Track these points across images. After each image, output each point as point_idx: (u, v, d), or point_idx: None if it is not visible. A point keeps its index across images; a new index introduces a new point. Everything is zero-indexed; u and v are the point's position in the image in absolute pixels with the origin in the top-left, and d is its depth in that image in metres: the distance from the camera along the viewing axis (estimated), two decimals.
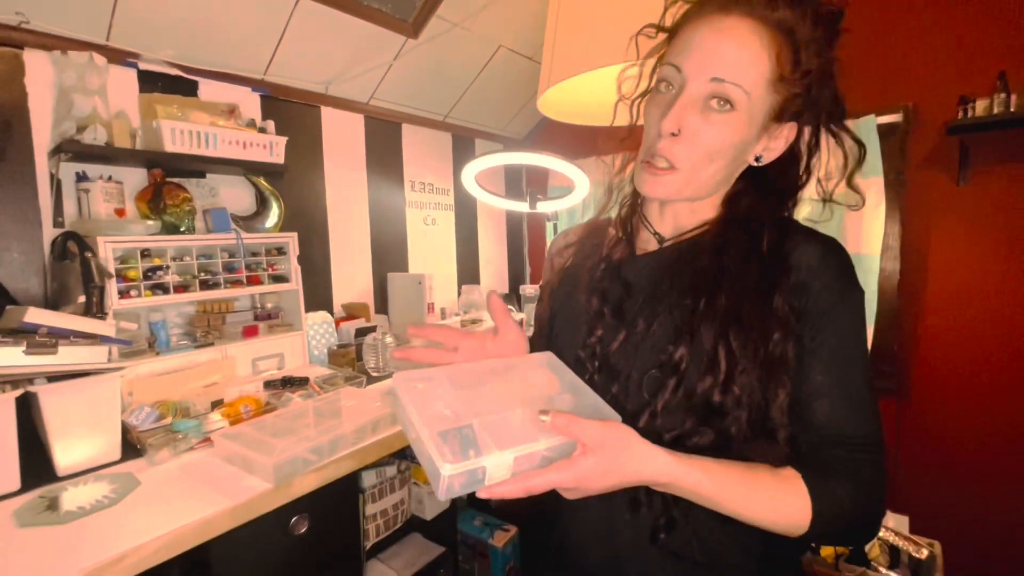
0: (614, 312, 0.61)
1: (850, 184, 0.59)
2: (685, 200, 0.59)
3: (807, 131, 0.57)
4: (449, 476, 0.42)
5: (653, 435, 0.50)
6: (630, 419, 0.54)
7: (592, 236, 0.71)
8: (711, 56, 0.52)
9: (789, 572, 0.60)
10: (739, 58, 0.51)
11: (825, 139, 0.58)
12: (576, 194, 1.93)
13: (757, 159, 0.57)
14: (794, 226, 0.57)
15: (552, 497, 0.52)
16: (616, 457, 0.45)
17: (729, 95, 0.51)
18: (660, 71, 0.57)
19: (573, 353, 0.63)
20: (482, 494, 0.43)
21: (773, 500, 0.49)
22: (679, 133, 0.53)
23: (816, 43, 0.54)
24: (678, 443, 0.52)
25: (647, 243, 0.65)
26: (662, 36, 0.59)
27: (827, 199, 0.59)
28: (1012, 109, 1.38)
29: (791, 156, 0.58)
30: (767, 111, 0.54)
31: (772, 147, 0.56)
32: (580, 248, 0.71)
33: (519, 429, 0.47)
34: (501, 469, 0.44)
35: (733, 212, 0.59)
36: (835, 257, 0.54)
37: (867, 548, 1.51)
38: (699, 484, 0.47)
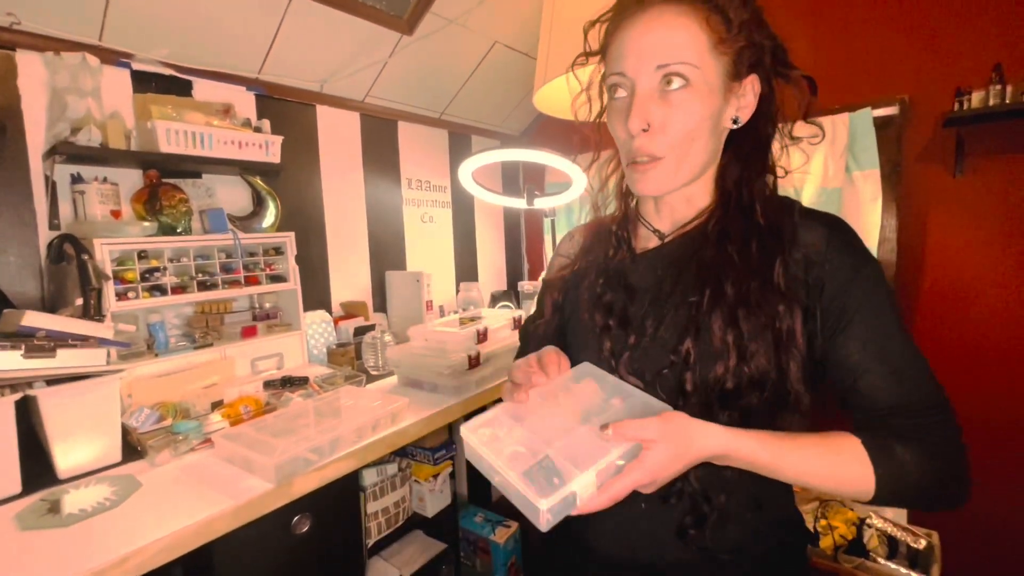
0: (620, 322, 0.61)
1: (807, 119, 0.59)
2: (680, 188, 0.59)
3: (757, 81, 0.57)
4: (547, 510, 0.45)
5: None
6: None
7: (595, 237, 0.71)
8: (648, 49, 0.53)
9: (799, 561, 0.62)
10: (673, 39, 0.52)
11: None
12: (573, 190, 1.93)
13: (735, 121, 0.57)
14: (798, 209, 0.57)
15: None
16: (679, 443, 0.47)
17: (684, 71, 0.52)
18: (608, 84, 0.59)
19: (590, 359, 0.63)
20: (576, 512, 0.46)
21: (833, 465, 0.50)
22: (649, 128, 0.54)
23: None
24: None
25: (648, 241, 0.65)
26: (595, 59, 0.62)
27: (791, 139, 0.60)
28: (1008, 101, 1.39)
29: (757, 112, 0.58)
30: (723, 74, 0.55)
31: (744, 104, 0.57)
32: (584, 251, 0.71)
33: (590, 445, 0.49)
34: (588, 488, 0.47)
35: (726, 193, 0.59)
36: (840, 234, 0.54)
37: (865, 539, 1.53)
38: (755, 453, 0.49)
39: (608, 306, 0.62)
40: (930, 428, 0.50)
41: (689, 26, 0.52)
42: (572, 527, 0.63)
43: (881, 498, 0.50)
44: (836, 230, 0.54)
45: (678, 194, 0.61)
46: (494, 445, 0.52)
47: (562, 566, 0.68)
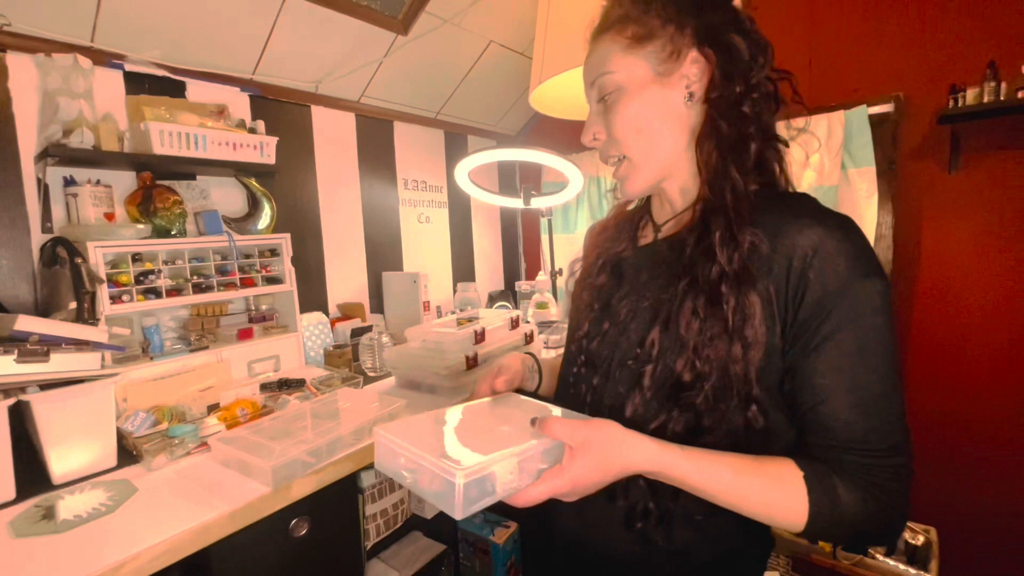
0: (603, 306, 0.63)
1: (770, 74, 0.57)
2: (664, 180, 0.60)
3: (698, 51, 0.56)
4: (463, 485, 0.43)
5: (636, 425, 0.51)
6: (611, 411, 0.56)
7: (615, 227, 0.72)
8: (585, 75, 0.62)
9: (752, 569, 0.59)
10: (592, 60, 0.60)
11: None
12: (570, 189, 1.92)
13: (691, 96, 0.56)
14: (803, 207, 0.52)
15: None
16: (604, 453, 0.47)
17: (606, 84, 0.58)
18: None
19: (568, 347, 0.66)
20: (503, 499, 0.46)
21: (768, 493, 0.48)
22: (598, 139, 0.61)
23: None
24: (661, 431, 0.53)
25: (650, 234, 0.66)
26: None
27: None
28: (1002, 97, 1.39)
29: (719, 76, 0.56)
30: (655, 62, 0.56)
31: (689, 75, 0.56)
32: (604, 239, 0.72)
33: (512, 437, 0.48)
34: (508, 473, 0.45)
35: (710, 185, 0.56)
36: (834, 242, 0.48)
37: None
38: (687, 474, 0.48)
39: (596, 288, 0.65)
40: (882, 471, 0.47)
41: (604, 42, 0.59)
42: (540, 514, 0.64)
43: (810, 534, 0.49)
44: (831, 237, 0.48)
45: (671, 187, 0.61)
46: (412, 439, 0.50)
47: (533, 551, 0.71)
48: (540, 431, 0.48)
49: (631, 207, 0.73)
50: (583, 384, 0.62)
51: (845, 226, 0.50)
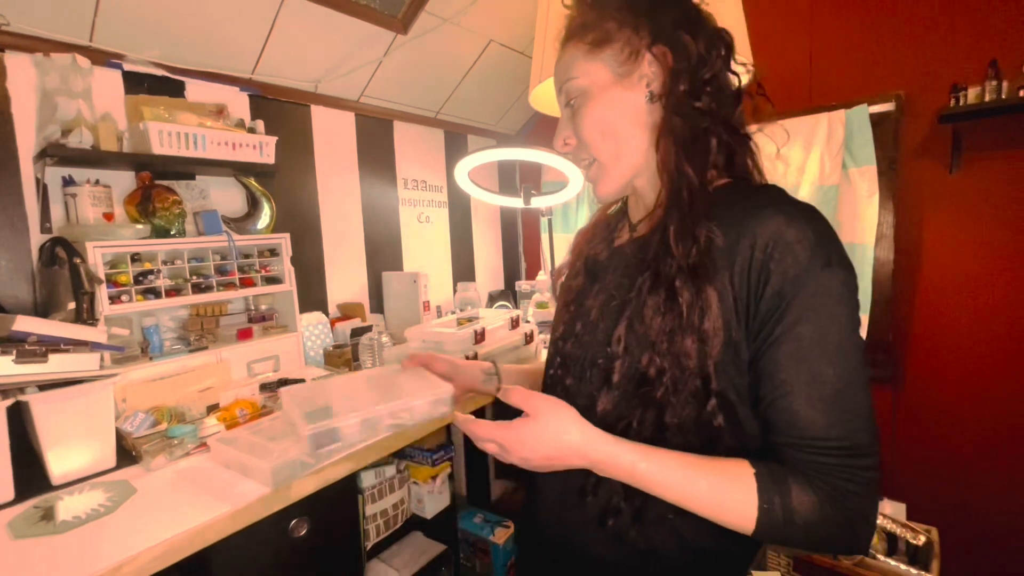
0: (577, 307, 0.64)
1: (729, 66, 0.57)
2: (635, 180, 0.61)
3: (650, 52, 0.56)
4: (311, 435, 0.61)
5: (606, 424, 0.52)
6: (583, 412, 0.55)
7: (596, 228, 0.73)
8: (555, 81, 0.63)
9: (731, 570, 0.58)
10: (558, 69, 0.62)
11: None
12: (570, 189, 1.92)
13: (652, 96, 0.57)
14: (767, 198, 0.51)
15: (529, 484, 0.65)
16: (550, 427, 0.51)
17: (571, 89, 0.60)
18: None
19: (549, 349, 0.68)
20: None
21: (716, 491, 0.47)
22: (568, 143, 0.62)
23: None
24: (628, 430, 0.53)
25: (626, 234, 0.66)
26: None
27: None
28: (1004, 96, 1.39)
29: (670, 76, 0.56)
30: (615, 65, 0.57)
31: (648, 74, 0.56)
32: (581, 242, 0.73)
33: (371, 401, 0.66)
34: (352, 426, 0.63)
35: (667, 182, 0.56)
36: (795, 231, 0.47)
37: None
38: (634, 465, 0.48)
39: (573, 290, 0.66)
40: (843, 472, 0.46)
41: (568, 49, 0.60)
42: (529, 510, 0.67)
43: (760, 536, 0.47)
44: (793, 226, 0.47)
45: (643, 186, 0.61)
46: (306, 402, 0.68)
47: (526, 551, 0.71)
48: (504, 398, 0.54)
49: (613, 208, 0.73)
50: (558, 386, 0.63)
51: (807, 215, 0.49)
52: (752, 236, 0.48)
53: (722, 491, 0.47)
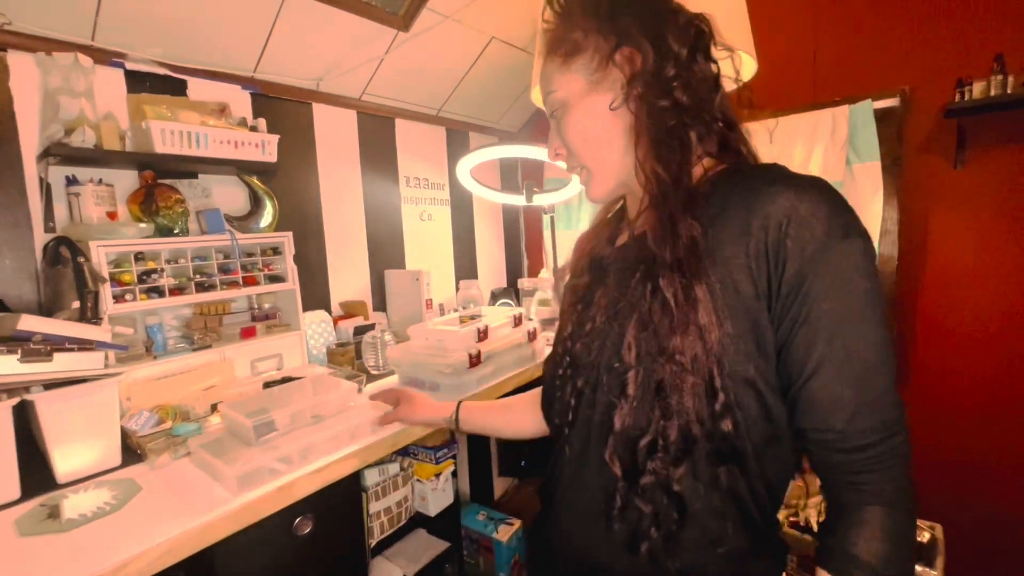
0: (584, 307, 0.63)
1: (724, 47, 0.58)
2: (627, 181, 0.60)
3: (619, 54, 0.55)
4: (252, 426, 0.91)
5: (628, 442, 0.53)
6: (603, 411, 0.56)
7: (599, 227, 0.72)
8: (541, 95, 0.64)
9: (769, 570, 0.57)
10: (544, 77, 0.62)
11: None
12: (572, 186, 1.92)
13: (624, 99, 0.56)
14: (772, 176, 0.50)
15: (545, 502, 0.65)
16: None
17: (552, 102, 0.61)
18: None
19: (555, 348, 0.68)
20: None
21: None
22: (559, 153, 0.64)
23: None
24: (655, 449, 0.51)
25: (625, 234, 0.65)
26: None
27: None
28: (1009, 91, 1.38)
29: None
30: (587, 73, 0.57)
31: (619, 78, 0.56)
32: (583, 241, 0.73)
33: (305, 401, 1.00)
34: (285, 419, 0.96)
35: (644, 182, 0.55)
36: (808, 205, 0.46)
37: None
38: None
39: (578, 290, 0.66)
40: (876, 462, 0.46)
41: (546, 63, 0.61)
42: (545, 530, 0.66)
43: None
44: (805, 197, 0.46)
45: (637, 185, 0.60)
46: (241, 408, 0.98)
47: (538, 563, 0.70)
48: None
49: (617, 207, 0.73)
50: (568, 385, 0.62)
51: (816, 186, 0.48)
52: (763, 216, 0.47)
53: None
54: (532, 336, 1.57)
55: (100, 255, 1.13)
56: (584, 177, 0.63)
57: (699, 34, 0.56)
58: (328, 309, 1.80)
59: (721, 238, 0.50)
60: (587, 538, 0.59)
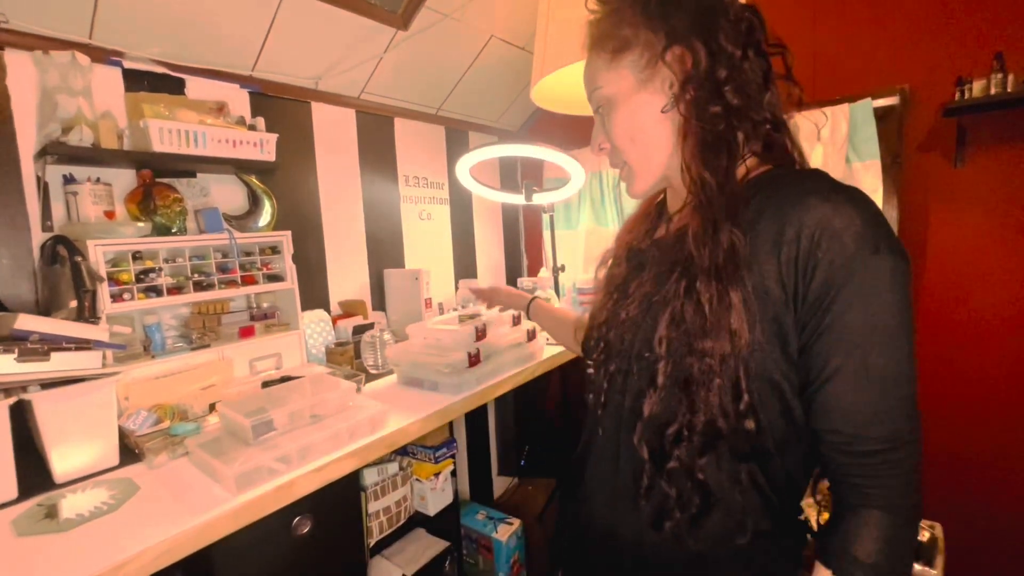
0: (620, 296, 0.65)
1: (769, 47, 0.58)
2: (669, 176, 0.61)
3: (671, 53, 0.55)
4: (251, 425, 0.90)
5: (655, 429, 0.54)
6: (633, 398, 0.58)
7: (639, 218, 0.74)
8: (584, 86, 0.64)
9: (786, 562, 0.58)
10: (590, 72, 0.62)
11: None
12: (572, 185, 1.91)
13: (675, 99, 0.56)
14: (812, 185, 0.50)
15: (569, 483, 0.69)
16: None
17: (598, 98, 0.61)
18: None
19: (590, 332, 0.70)
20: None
21: None
22: (603, 148, 0.64)
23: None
24: (680, 439, 0.53)
25: (664, 226, 0.67)
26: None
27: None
28: (1009, 89, 1.37)
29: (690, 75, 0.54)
30: (636, 70, 0.57)
31: (669, 77, 0.56)
32: (624, 231, 0.74)
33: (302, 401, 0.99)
34: (283, 419, 0.95)
35: (689, 184, 0.55)
36: (842, 218, 0.46)
37: None
38: None
39: (612, 277, 0.68)
40: (884, 468, 0.47)
41: (592, 58, 0.61)
42: (574, 503, 0.69)
43: None
44: (840, 211, 0.46)
45: (678, 181, 0.61)
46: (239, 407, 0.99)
47: (567, 542, 0.72)
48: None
49: (659, 200, 0.73)
50: (601, 369, 0.65)
51: (854, 199, 0.48)
52: (798, 225, 0.48)
53: None
54: (531, 335, 1.57)
55: (98, 254, 1.13)
56: (625, 174, 0.64)
57: (750, 29, 0.55)
58: (327, 308, 1.79)
59: (757, 244, 0.50)
60: (614, 514, 0.62)
